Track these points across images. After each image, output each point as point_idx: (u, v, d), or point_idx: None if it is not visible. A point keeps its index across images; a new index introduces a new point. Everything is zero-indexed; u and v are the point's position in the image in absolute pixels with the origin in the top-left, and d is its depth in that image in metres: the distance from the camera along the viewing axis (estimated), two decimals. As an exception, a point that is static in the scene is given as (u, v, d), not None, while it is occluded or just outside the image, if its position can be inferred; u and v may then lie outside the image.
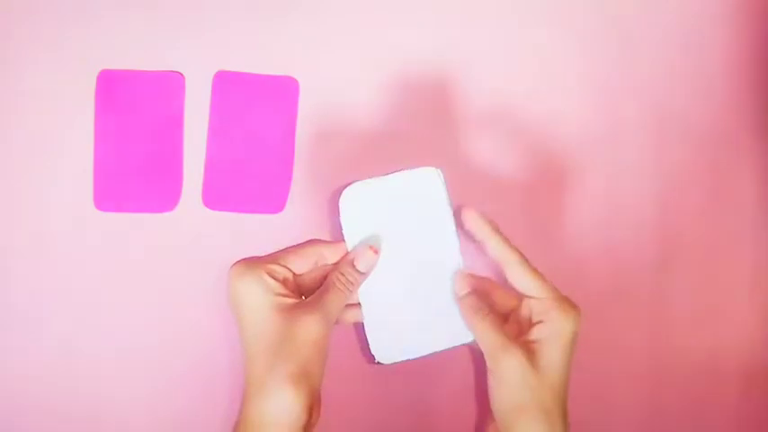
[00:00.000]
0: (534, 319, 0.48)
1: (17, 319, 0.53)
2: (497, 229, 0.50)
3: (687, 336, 0.58)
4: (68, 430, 0.53)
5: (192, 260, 0.54)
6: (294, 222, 0.55)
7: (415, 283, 0.51)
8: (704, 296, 0.59)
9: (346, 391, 0.55)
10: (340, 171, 0.55)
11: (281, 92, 0.55)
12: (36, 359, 0.53)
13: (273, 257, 0.48)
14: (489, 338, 0.48)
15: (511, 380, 0.47)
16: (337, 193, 0.52)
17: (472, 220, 0.50)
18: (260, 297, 0.46)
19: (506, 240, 0.49)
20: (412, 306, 0.51)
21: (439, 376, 0.56)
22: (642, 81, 0.59)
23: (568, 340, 0.47)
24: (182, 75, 0.55)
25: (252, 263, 0.47)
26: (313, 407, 0.45)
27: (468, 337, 0.50)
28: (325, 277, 0.49)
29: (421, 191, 0.51)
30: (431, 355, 0.51)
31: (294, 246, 0.49)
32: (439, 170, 0.51)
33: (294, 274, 0.49)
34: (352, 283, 0.48)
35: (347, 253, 0.50)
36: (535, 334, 0.48)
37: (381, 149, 0.56)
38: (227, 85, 0.55)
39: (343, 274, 0.48)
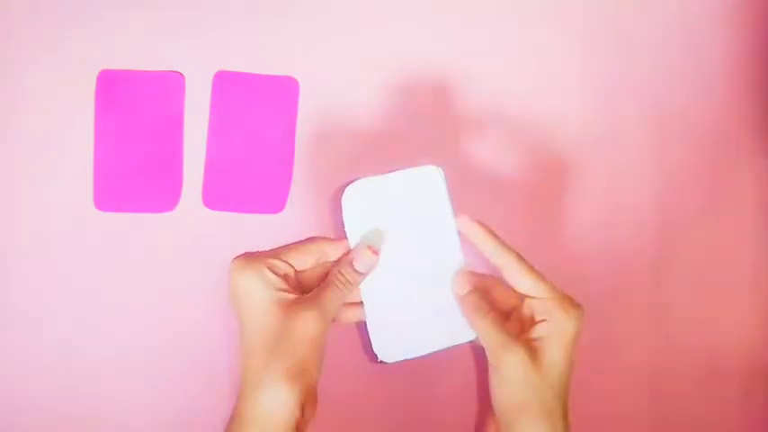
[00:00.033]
0: (537, 318, 0.48)
1: (17, 319, 0.53)
2: (493, 234, 0.50)
3: (687, 336, 0.58)
4: (68, 430, 0.53)
5: (192, 260, 0.54)
6: (294, 222, 0.55)
7: (416, 281, 0.51)
8: (704, 296, 0.59)
9: (347, 390, 0.55)
10: (340, 171, 0.55)
11: (281, 92, 0.55)
12: (36, 359, 0.53)
13: (275, 253, 0.48)
14: (491, 336, 0.48)
15: (512, 378, 0.47)
16: (337, 193, 0.52)
17: (467, 227, 0.50)
18: (260, 291, 0.46)
19: (503, 244, 0.49)
20: (414, 305, 0.51)
21: (440, 375, 0.56)
22: (642, 81, 0.59)
23: (571, 339, 0.47)
24: (182, 75, 0.55)
25: (253, 257, 0.47)
26: (308, 404, 0.45)
27: (469, 336, 0.50)
28: (326, 274, 0.50)
29: (422, 189, 0.51)
30: (433, 353, 0.51)
31: (296, 242, 0.49)
32: (440, 168, 0.51)
33: (296, 270, 0.49)
34: (350, 283, 0.48)
35: (347, 252, 0.50)
36: (537, 332, 0.48)
37: (381, 149, 0.56)
38: (227, 85, 0.55)
39: (341, 273, 0.48)
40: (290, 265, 0.48)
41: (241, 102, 0.55)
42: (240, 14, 0.55)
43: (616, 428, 0.58)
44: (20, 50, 0.54)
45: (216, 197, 0.55)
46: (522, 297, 0.50)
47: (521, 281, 0.49)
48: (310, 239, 0.50)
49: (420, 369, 0.52)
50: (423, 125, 0.56)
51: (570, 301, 0.48)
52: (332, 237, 0.53)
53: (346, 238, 0.50)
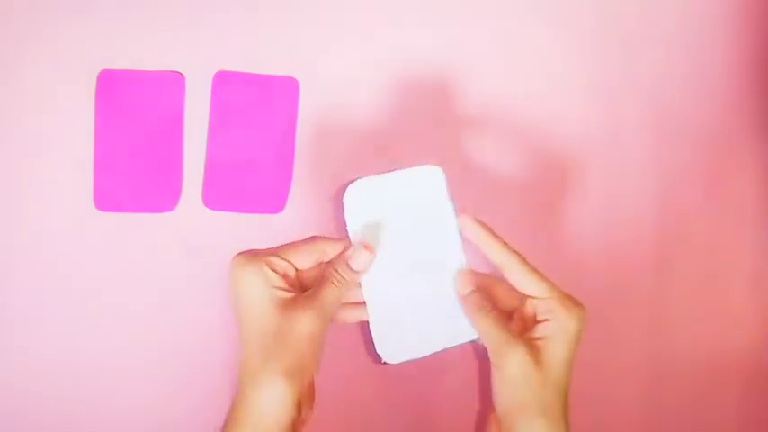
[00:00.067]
0: (539, 317, 0.48)
1: (17, 319, 0.53)
2: (494, 234, 0.50)
3: (687, 336, 0.58)
4: (69, 430, 0.53)
5: (192, 260, 0.54)
6: (294, 222, 0.55)
7: (418, 281, 0.51)
8: (704, 296, 0.59)
9: (347, 390, 0.55)
10: (340, 171, 0.55)
11: (281, 92, 0.55)
12: (36, 359, 0.53)
13: (276, 251, 0.48)
14: (493, 335, 0.48)
15: (514, 376, 0.47)
16: (337, 193, 0.52)
17: (469, 228, 0.50)
18: (259, 289, 0.46)
19: (505, 244, 0.49)
20: (416, 304, 0.51)
21: (440, 374, 0.56)
22: (642, 81, 0.59)
23: (573, 338, 0.48)
24: (182, 75, 0.55)
25: (254, 255, 0.47)
26: (304, 402, 0.46)
27: (471, 335, 0.50)
28: None
29: (423, 188, 0.51)
30: (436, 353, 0.51)
31: (298, 241, 0.49)
32: (440, 168, 0.51)
33: (296, 269, 0.49)
34: (346, 281, 0.48)
35: (343, 249, 0.50)
36: (540, 331, 0.48)
37: (381, 149, 0.56)
38: (227, 85, 0.55)
39: (337, 271, 0.48)
40: (291, 264, 0.48)
41: (241, 102, 0.55)
42: (240, 14, 0.55)
43: (616, 428, 0.58)
44: (20, 50, 0.54)
45: (216, 197, 0.55)
46: (523, 297, 0.50)
47: (522, 281, 0.49)
48: (312, 239, 0.50)
49: (421, 369, 0.52)
50: (423, 125, 0.56)
51: (572, 301, 0.48)
52: (333, 236, 0.53)
53: (348, 237, 0.50)
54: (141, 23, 0.55)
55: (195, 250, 0.55)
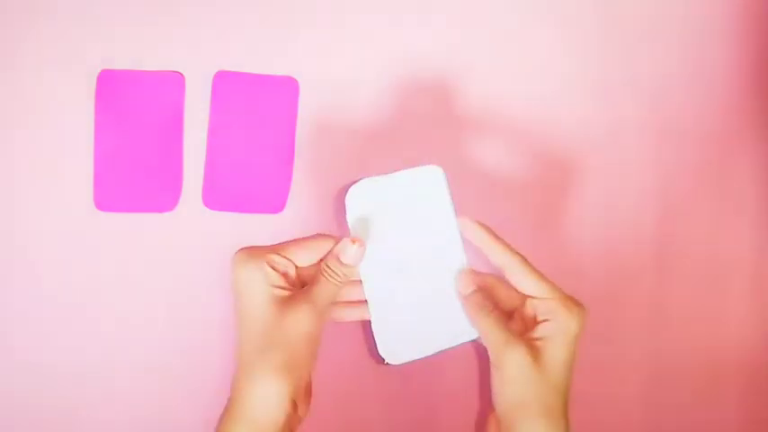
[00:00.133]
0: (539, 318, 0.49)
1: (17, 318, 0.53)
2: (495, 236, 0.50)
3: (687, 335, 0.58)
4: (69, 429, 0.53)
5: (192, 260, 0.54)
6: (294, 222, 0.55)
7: (419, 281, 0.51)
8: (704, 296, 0.59)
9: (347, 390, 0.55)
10: (340, 171, 0.55)
11: (281, 92, 0.55)
12: (36, 359, 0.53)
13: (277, 248, 0.48)
14: (493, 335, 0.48)
15: (514, 376, 0.47)
16: (337, 194, 0.52)
17: (469, 228, 0.50)
18: (258, 286, 0.47)
19: (506, 245, 0.50)
20: (417, 305, 0.51)
21: (440, 374, 0.56)
22: (642, 81, 0.59)
23: (573, 338, 0.48)
24: (182, 75, 0.55)
25: (255, 252, 0.48)
26: (300, 399, 0.46)
27: (472, 335, 0.50)
28: None
29: (424, 189, 0.51)
30: (437, 353, 0.51)
31: (300, 238, 0.50)
32: (441, 168, 0.51)
33: (297, 266, 0.49)
34: (338, 275, 0.48)
35: (333, 246, 0.50)
36: (540, 331, 0.48)
37: (381, 149, 0.56)
38: (227, 85, 0.55)
39: (329, 267, 0.48)
40: (291, 262, 0.48)
41: (241, 102, 0.55)
42: (240, 14, 0.55)
43: (616, 427, 0.58)
44: (20, 50, 0.54)
45: (216, 197, 0.55)
46: (523, 297, 0.50)
47: (523, 281, 0.49)
48: (314, 236, 0.50)
49: (420, 368, 0.52)
50: (423, 125, 0.56)
51: (573, 301, 0.49)
52: (335, 235, 0.53)
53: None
54: (141, 23, 0.55)
55: (195, 250, 0.55)
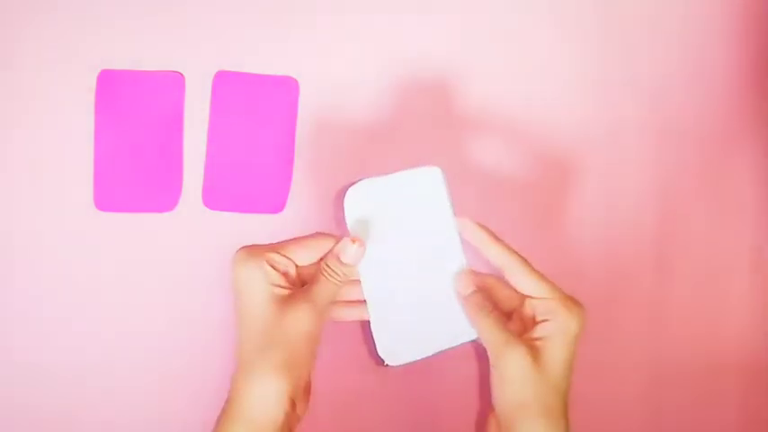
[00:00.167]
0: (539, 318, 0.49)
1: (17, 318, 0.53)
2: (495, 236, 0.50)
3: (687, 335, 0.58)
4: (69, 429, 0.53)
5: (192, 260, 0.54)
6: (294, 222, 0.55)
7: (418, 281, 0.51)
8: (704, 296, 0.59)
9: (348, 390, 0.55)
10: (340, 171, 0.55)
11: (281, 92, 0.55)
12: (36, 359, 0.53)
13: (277, 247, 0.48)
14: (493, 335, 0.48)
15: (514, 377, 0.47)
16: (337, 194, 0.52)
17: (468, 229, 0.50)
18: (258, 284, 0.47)
19: (505, 246, 0.50)
20: (416, 305, 0.51)
21: (440, 374, 0.56)
22: (642, 81, 0.59)
23: (573, 338, 0.48)
24: (182, 75, 0.55)
25: (255, 251, 0.48)
26: (299, 398, 0.46)
27: (471, 335, 0.50)
28: None
29: (423, 190, 0.51)
30: (436, 354, 0.51)
31: (300, 237, 0.50)
32: (440, 169, 0.51)
33: (297, 265, 0.49)
34: (338, 275, 0.48)
35: (333, 245, 0.50)
36: (539, 331, 0.48)
37: (381, 149, 0.56)
38: (227, 85, 0.55)
39: (329, 266, 0.49)
40: (291, 261, 0.48)
41: (241, 102, 0.55)
42: (240, 14, 0.55)
43: (616, 427, 0.58)
44: (20, 50, 0.54)
45: (216, 197, 0.55)
46: (523, 297, 0.50)
47: (523, 281, 0.49)
48: (314, 235, 0.50)
49: (420, 369, 0.52)
50: (423, 125, 0.56)
51: (572, 301, 0.49)
52: (336, 234, 0.53)
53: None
54: (141, 23, 0.55)
55: (195, 250, 0.55)
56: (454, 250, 0.51)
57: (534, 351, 0.47)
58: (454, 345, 0.51)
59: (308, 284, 0.48)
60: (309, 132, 0.56)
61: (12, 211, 0.53)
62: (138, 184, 0.54)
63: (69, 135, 0.54)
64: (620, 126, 0.58)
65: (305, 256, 0.49)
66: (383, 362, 0.51)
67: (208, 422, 0.46)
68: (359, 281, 0.50)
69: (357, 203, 0.50)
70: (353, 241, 0.48)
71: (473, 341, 0.51)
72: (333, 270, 0.48)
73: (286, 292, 0.47)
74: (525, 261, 0.49)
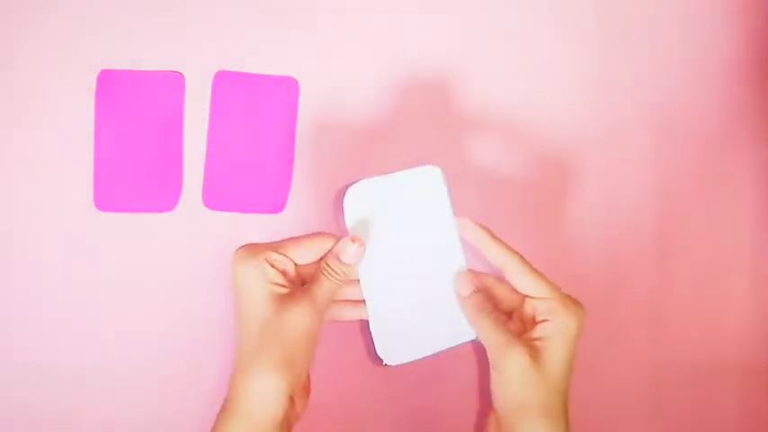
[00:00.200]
0: (538, 318, 0.49)
1: (17, 318, 0.53)
2: (494, 236, 0.50)
3: (687, 335, 0.58)
4: (69, 429, 0.53)
5: (192, 260, 0.54)
6: (294, 222, 0.55)
7: (417, 281, 0.51)
8: (704, 296, 0.59)
9: (348, 390, 0.55)
10: (340, 171, 0.55)
11: (281, 92, 0.55)
12: (36, 359, 0.53)
13: (277, 246, 0.49)
14: (493, 336, 0.48)
15: (514, 377, 0.47)
16: (337, 193, 0.52)
17: (467, 229, 0.50)
18: (257, 283, 0.47)
19: (505, 245, 0.50)
20: (416, 305, 0.51)
21: (440, 374, 0.56)
22: (642, 81, 0.59)
23: (572, 338, 0.48)
24: (182, 75, 0.55)
25: (255, 250, 0.48)
26: (298, 396, 0.46)
27: (471, 335, 0.50)
28: None
29: (423, 189, 0.51)
30: (435, 354, 0.51)
31: (300, 236, 0.50)
32: (440, 169, 0.51)
33: (296, 264, 0.49)
34: (338, 274, 0.48)
35: (333, 244, 0.50)
36: (539, 332, 0.48)
37: (381, 149, 0.56)
38: (227, 85, 0.55)
39: (329, 265, 0.49)
40: (291, 260, 0.49)
41: (241, 102, 0.55)
42: (240, 14, 0.55)
43: (616, 426, 0.58)
44: (20, 50, 0.54)
45: (216, 197, 0.55)
46: (522, 297, 0.50)
47: (523, 281, 0.49)
48: (314, 234, 0.50)
49: (420, 369, 0.52)
50: (423, 125, 0.56)
51: (572, 300, 0.49)
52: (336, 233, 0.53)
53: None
54: (141, 23, 0.55)
55: (195, 250, 0.55)
56: (454, 250, 0.51)
57: (534, 351, 0.47)
58: (453, 345, 0.51)
59: (307, 283, 0.48)
60: (309, 132, 0.56)
61: (12, 211, 0.54)
62: (138, 184, 0.54)
63: (69, 135, 0.54)
64: (620, 126, 0.58)
65: (304, 255, 0.49)
66: (381, 361, 0.51)
67: (208, 422, 0.46)
68: (358, 280, 0.50)
69: (357, 203, 0.51)
70: (354, 241, 0.48)
71: (473, 341, 0.51)
72: (333, 269, 0.48)
73: (285, 290, 0.47)
74: (525, 261, 0.49)
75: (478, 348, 0.54)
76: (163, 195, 0.55)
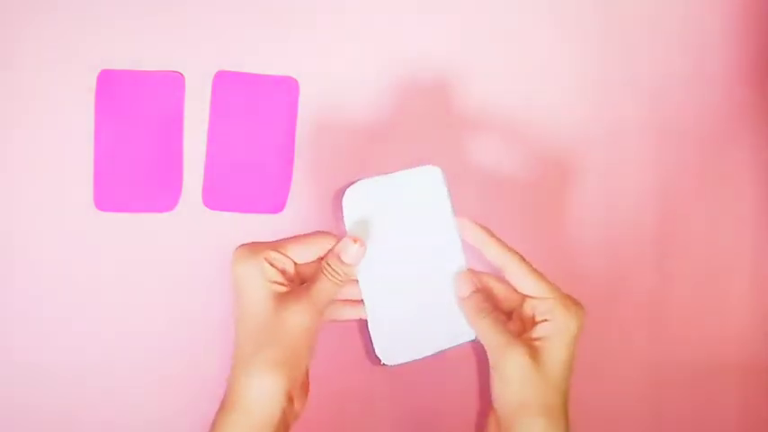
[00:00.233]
0: (538, 318, 0.49)
1: (17, 318, 0.53)
2: (494, 236, 0.50)
3: (687, 335, 0.58)
4: (69, 429, 0.53)
5: (192, 260, 0.54)
6: (294, 222, 0.55)
7: (417, 281, 0.51)
8: (704, 296, 0.59)
9: (348, 390, 0.55)
10: (340, 171, 0.55)
11: (281, 92, 0.55)
12: (36, 359, 0.53)
13: (276, 245, 0.49)
14: (492, 336, 0.48)
15: (513, 377, 0.47)
16: (337, 194, 0.52)
17: (467, 229, 0.50)
18: (257, 282, 0.47)
19: (504, 245, 0.50)
20: (415, 305, 0.51)
21: (440, 374, 0.56)
22: (642, 81, 0.59)
23: (572, 337, 0.48)
24: (182, 75, 0.55)
25: (254, 249, 0.48)
26: (296, 394, 0.46)
27: (470, 336, 0.50)
28: None
29: (422, 189, 0.51)
30: (434, 354, 0.51)
31: (299, 235, 0.50)
32: (440, 169, 0.51)
33: (296, 263, 0.49)
34: (338, 274, 0.49)
35: (333, 244, 0.50)
36: (539, 332, 0.48)
37: (381, 149, 0.56)
38: (227, 85, 0.55)
39: (329, 265, 0.49)
40: (290, 259, 0.49)
41: (241, 102, 0.55)
42: (240, 14, 0.55)
43: (616, 426, 0.58)
44: (20, 50, 0.54)
45: (216, 197, 0.55)
46: (522, 297, 0.50)
47: (522, 281, 0.49)
48: (314, 234, 0.50)
49: (420, 369, 0.52)
50: (423, 125, 0.56)
51: (572, 300, 0.49)
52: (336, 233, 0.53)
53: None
54: (141, 23, 0.55)
55: (195, 250, 0.55)
56: (454, 250, 0.51)
57: (534, 351, 0.47)
58: (453, 345, 0.51)
59: (307, 283, 0.48)
60: (309, 132, 0.56)
61: (12, 211, 0.54)
62: (138, 184, 0.54)
63: (69, 135, 0.54)
64: (620, 126, 0.58)
65: (304, 255, 0.49)
66: (380, 361, 0.51)
67: (208, 422, 0.46)
68: (357, 280, 0.50)
69: (356, 203, 0.51)
70: (355, 241, 0.48)
71: (473, 341, 0.51)
72: (333, 269, 0.48)
73: (284, 289, 0.47)
74: (525, 261, 0.49)
75: (478, 348, 0.54)
76: (163, 195, 0.55)
